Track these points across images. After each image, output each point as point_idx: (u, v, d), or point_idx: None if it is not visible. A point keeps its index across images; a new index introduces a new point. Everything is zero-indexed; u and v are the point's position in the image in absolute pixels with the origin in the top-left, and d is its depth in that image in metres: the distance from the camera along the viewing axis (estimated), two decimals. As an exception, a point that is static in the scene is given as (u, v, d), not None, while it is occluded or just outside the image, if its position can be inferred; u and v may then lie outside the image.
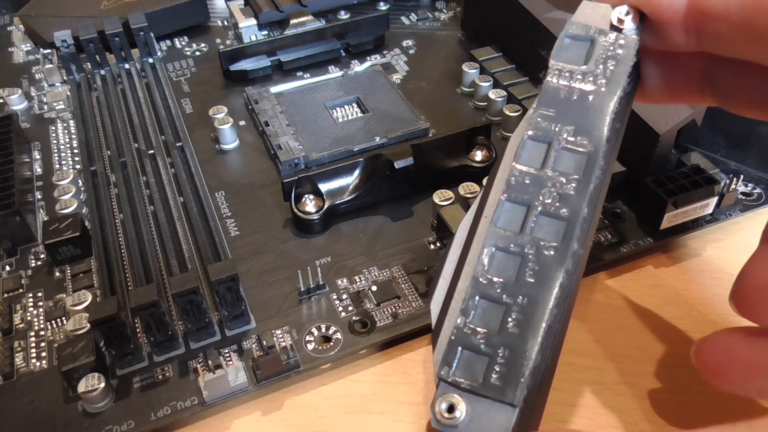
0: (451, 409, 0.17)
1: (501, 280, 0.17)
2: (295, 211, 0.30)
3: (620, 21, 0.19)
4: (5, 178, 0.31)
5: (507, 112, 0.35)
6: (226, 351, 0.26)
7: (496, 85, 0.38)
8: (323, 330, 0.27)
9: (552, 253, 0.17)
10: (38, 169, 0.35)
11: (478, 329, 0.17)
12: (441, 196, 0.30)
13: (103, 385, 0.24)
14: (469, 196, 0.30)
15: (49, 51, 0.43)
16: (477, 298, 0.17)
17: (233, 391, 0.24)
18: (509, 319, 0.17)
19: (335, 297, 0.28)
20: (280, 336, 0.26)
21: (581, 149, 0.18)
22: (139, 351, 0.25)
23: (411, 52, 0.43)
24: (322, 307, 0.28)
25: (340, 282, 0.29)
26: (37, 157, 0.36)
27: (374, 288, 0.28)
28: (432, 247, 0.30)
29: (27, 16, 0.44)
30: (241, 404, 0.25)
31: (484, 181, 0.31)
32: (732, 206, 0.31)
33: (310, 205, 0.31)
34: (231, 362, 0.25)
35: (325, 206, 0.31)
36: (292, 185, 0.30)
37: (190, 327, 0.26)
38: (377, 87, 0.38)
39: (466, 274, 0.18)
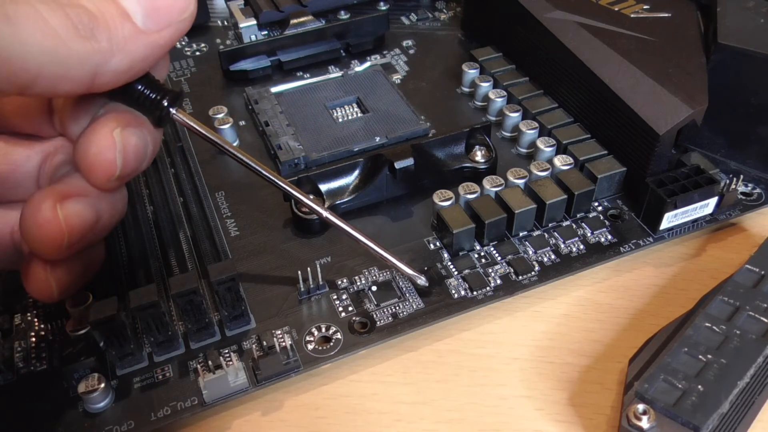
0: (643, 414, 0.21)
1: (705, 346, 0.23)
2: (295, 211, 0.30)
3: None
4: (5, 178, 0.31)
5: (507, 112, 0.35)
6: (226, 351, 0.26)
7: (496, 85, 0.38)
8: (323, 330, 0.27)
9: (754, 338, 0.23)
10: (38, 169, 0.35)
11: (679, 369, 0.22)
12: (441, 196, 0.30)
13: (103, 385, 0.24)
14: (469, 196, 0.30)
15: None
16: (684, 349, 0.23)
17: (233, 391, 0.24)
18: (710, 372, 0.22)
19: (335, 297, 0.28)
20: (280, 336, 0.26)
21: None
22: (139, 351, 0.25)
23: (411, 52, 0.43)
24: (322, 307, 0.28)
25: (340, 282, 0.29)
26: (37, 157, 0.36)
27: (374, 288, 0.28)
28: (432, 247, 0.30)
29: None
30: (241, 404, 0.25)
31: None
32: (732, 206, 0.31)
33: (310, 205, 0.31)
34: (231, 362, 0.25)
35: (325, 206, 0.31)
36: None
37: (190, 327, 0.26)
38: (377, 87, 0.38)
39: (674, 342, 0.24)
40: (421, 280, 0.28)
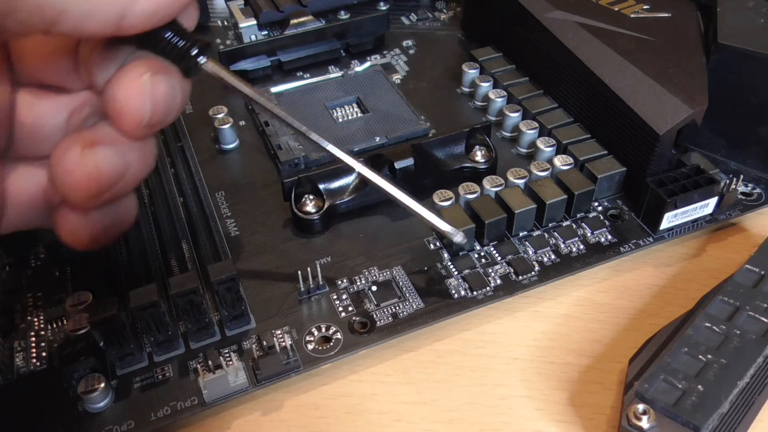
0: (643, 414, 0.21)
1: (705, 346, 0.23)
2: (295, 211, 0.30)
3: None
4: (5, 178, 0.31)
5: (507, 112, 0.35)
6: (226, 351, 0.26)
7: (496, 85, 0.38)
8: (323, 330, 0.27)
9: (754, 338, 0.23)
10: (38, 169, 0.35)
11: (679, 369, 0.22)
12: (441, 196, 0.30)
13: (103, 385, 0.24)
14: (469, 196, 0.30)
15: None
16: (684, 349, 0.23)
17: (233, 391, 0.24)
18: (710, 372, 0.22)
19: (335, 297, 0.28)
20: (280, 336, 0.26)
21: None
22: (139, 351, 0.25)
23: (411, 52, 0.43)
24: (322, 307, 0.28)
25: (340, 282, 0.29)
26: (37, 157, 0.36)
27: (374, 288, 0.28)
28: (432, 247, 0.30)
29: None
30: (241, 404, 0.25)
31: (487, 185, 0.31)
32: (732, 206, 0.31)
33: (310, 205, 0.31)
34: (231, 362, 0.25)
35: (325, 206, 0.31)
36: (292, 185, 0.30)
37: (190, 327, 0.26)
38: (377, 87, 0.38)
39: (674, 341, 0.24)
40: (459, 237, 0.27)
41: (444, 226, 0.26)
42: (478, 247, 0.30)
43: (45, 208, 0.23)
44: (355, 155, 0.33)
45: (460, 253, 0.29)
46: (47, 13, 0.17)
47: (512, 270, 0.29)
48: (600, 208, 0.32)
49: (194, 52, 0.21)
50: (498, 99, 0.36)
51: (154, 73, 0.20)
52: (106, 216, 0.22)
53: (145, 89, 0.20)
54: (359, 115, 0.37)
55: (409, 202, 0.26)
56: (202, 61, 0.22)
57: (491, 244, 0.30)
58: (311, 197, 0.31)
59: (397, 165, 0.31)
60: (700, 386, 0.22)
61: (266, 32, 0.44)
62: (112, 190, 0.21)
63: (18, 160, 0.22)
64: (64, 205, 0.21)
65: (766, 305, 0.24)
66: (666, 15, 0.34)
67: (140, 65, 0.20)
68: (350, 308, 0.27)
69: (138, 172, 0.22)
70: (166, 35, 0.21)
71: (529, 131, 0.34)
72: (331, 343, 0.26)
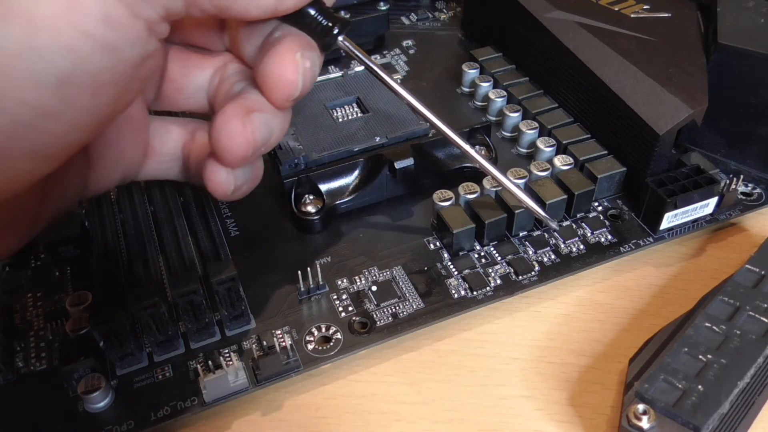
0: (643, 414, 0.21)
1: (705, 346, 0.23)
2: (295, 211, 0.30)
3: None
4: (5, 178, 0.31)
5: (507, 112, 0.35)
6: (226, 351, 0.26)
7: (496, 85, 0.38)
8: (323, 330, 0.27)
9: (754, 338, 0.23)
10: (38, 169, 0.35)
11: (679, 369, 0.22)
12: (441, 196, 0.30)
13: (103, 385, 0.24)
14: (469, 196, 0.30)
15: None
16: (684, 349, 0.23)
17: (233, 391, 0.24)
18: (710, 372, 0.22)
19: (335, 297, 0.28)
20: (280, 336, 0.26)
21: None
22: (139, 351, 0.25)
23: (411, 52, 0.43)
24: (322, 307, 0.28)
25: (340, 282, 0.29)
26: (37, 157, 0.36)
27: (374, 288, 0.28)
28: (432, 247, 0.30)
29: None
30: (241, 404, 0.25)
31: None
32: (732, 206, 0.31)
33: (310, 205, 0.31)
34: (231, 362, 0.25)
35: (325, 206, 0.31)
36: (292, 185, 0.30)
37: (190, 327, 0.26)
38: (377, 87, 0.38)
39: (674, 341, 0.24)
40: (554, 224, 0.29)
41: (541, 211, 0.28)
42: (478, 247, 0.30)
43: (180, 162, 0.25)
44: (355, 155, 0.33)
45: (460, 253, 0.29)
46: (221, 2, 0.20)
47: (512, 270, 0.29)
48: (600, 208, 0.32)
49: (336, 30, 0.23)
50: (498, 99, 0.36)
51: (304, 51, 0.22)
52: (246, 172, 0.24)
53: (298, 66, 0.22)
54: (359, 115, 0.37)
55: (512, 187, 0.27)
56: (341, 38, 0.23)
57: (491, 244, 0.30)
58: (311, 197, 0.31)
59: (397, 165, 0.31)
60: (700, 386, 0.22)
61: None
62: (258, 152, 0.23)
63: (160, 115, 0.25)
64: (213, 160, 0.23)
65: (766, 305, 0.24)
66: (666, 15, 0.34)
67: (293, 43, 0.22)
68: (350, 308, 0.27)
69: (278, 137, 0.24)
70: (312, 12, 0.22)
71: (529, 131, 0.34)
72: (331, 343, 0.26)
